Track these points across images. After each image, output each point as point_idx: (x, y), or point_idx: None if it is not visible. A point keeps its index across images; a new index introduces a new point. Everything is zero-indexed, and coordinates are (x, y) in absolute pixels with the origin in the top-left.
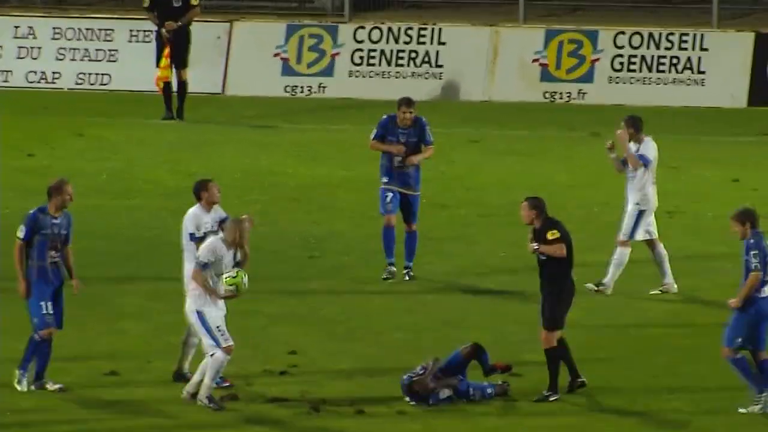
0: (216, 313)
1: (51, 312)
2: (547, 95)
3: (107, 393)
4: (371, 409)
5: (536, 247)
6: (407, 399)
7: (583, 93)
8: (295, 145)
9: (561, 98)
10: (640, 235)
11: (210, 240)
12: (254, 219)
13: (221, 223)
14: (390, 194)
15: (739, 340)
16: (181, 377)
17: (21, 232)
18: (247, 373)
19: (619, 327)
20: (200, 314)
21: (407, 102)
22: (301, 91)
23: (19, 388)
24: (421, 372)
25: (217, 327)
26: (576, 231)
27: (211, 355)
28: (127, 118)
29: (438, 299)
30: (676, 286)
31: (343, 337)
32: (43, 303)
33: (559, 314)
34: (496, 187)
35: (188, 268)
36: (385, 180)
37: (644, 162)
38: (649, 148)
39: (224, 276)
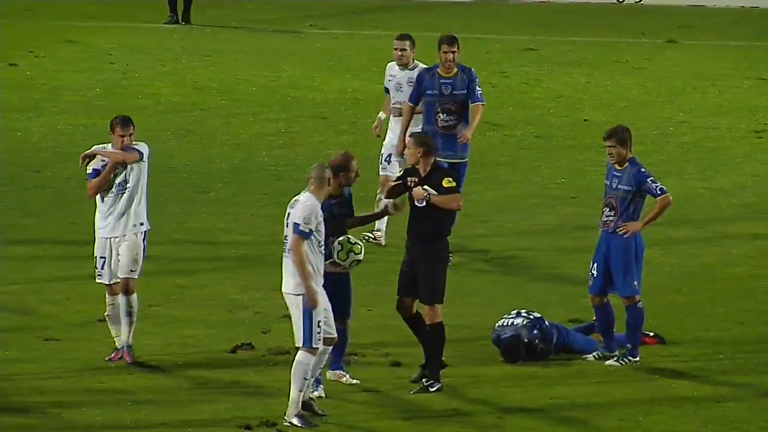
0: (325, 302)
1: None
2: None
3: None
4: (409, 361)
5: (427, 195)
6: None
7: None
8: (321, 54)
9: None
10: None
11: (306, 197)
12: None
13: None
14: None
15: (636, 283)
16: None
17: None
18: (265, 320)
19: (700, 267)
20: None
21: (449, 40)
22: None
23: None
24: (540, 345)
25: (319, 322)
26: (650, 153)
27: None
28: (124, 23)
29: (487, 234)
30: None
31: (376, 277)
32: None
33: (444, 282)
34: (556, 104)
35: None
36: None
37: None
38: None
39: (350, 240)
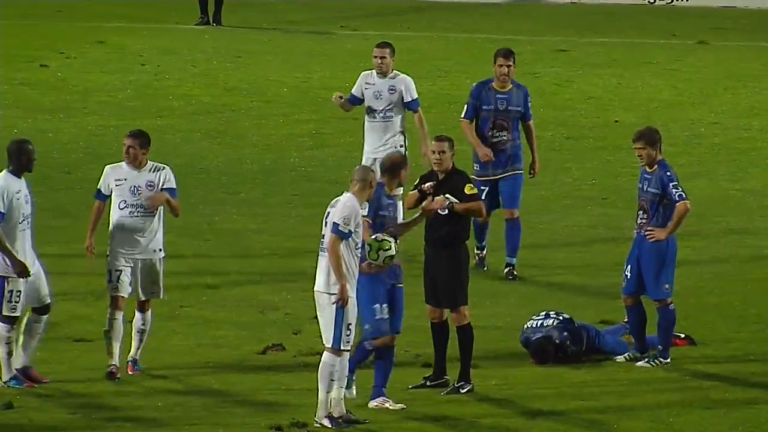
0: (354, 306)
1: (386, 316)
2: None
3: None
4: None
5: (450, 203)
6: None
7: None
8: (352, 55)
9: (662, 0)
10: None
11: (347, 198)
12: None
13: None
14: (485, 189)
15: (668, 286)
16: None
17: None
18: (295, 321)
19: (732, 269)
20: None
21: (505, 53)
22: None
23: (347, 394)
24: (571, 347)
25: (349, 325)
26: (681, 155)
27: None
28: (155, 24)
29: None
30: None
31: (409, 278)
32: (377, 306)
33: (466, 284)
34: (587, 105)
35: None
36: (476, 168)
37: (418, 105)
38: (412, 83)
39: (377, 239)
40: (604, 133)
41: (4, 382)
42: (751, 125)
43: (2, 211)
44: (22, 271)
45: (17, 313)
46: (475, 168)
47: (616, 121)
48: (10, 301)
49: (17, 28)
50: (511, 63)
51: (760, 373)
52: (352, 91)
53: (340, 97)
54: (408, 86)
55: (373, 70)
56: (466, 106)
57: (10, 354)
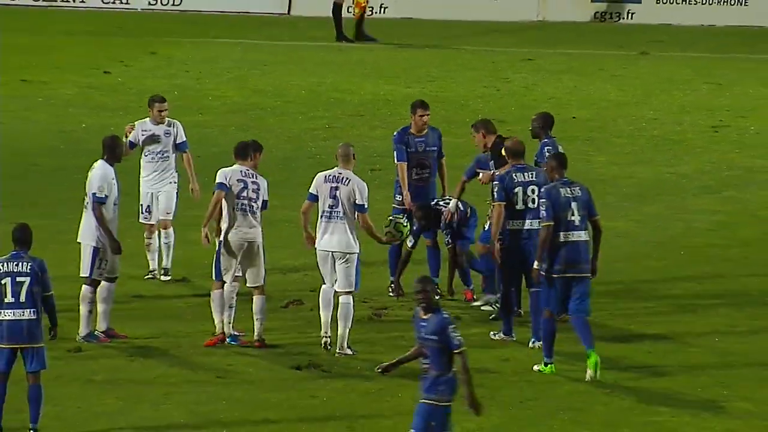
0: None
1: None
2: (597, 15)
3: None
4: None
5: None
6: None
7: (632, 13)
8: (359, 63)
9: (611, 18)
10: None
11: (356, 177)
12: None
13: None
14: (402, 215)
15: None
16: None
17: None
18: (313, 281)
19: (668, 238)
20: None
21: (423, 104)
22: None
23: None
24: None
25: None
26: (625, 145)
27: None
28: (197, 38)
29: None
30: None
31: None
32: None
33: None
34: (549, 104)
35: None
36: (398, 199)
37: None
38: (182, 127)
39: (396, 219)
40: (563, 128)
41: (82, 337)
42: (684, 120)
43: (106, 194)
44: (118, 248)
45: (102, 279)
46: (396, 199)
47: (573, 118)
48: (99, 268)
49: (86, 41)
50: (429, 112)
51: (692, 322)
52: (130, 138)
53: (126, 136)
54: (179, 130)
55: (147, 119)
56: (396, 152)
57: (90, 312)
